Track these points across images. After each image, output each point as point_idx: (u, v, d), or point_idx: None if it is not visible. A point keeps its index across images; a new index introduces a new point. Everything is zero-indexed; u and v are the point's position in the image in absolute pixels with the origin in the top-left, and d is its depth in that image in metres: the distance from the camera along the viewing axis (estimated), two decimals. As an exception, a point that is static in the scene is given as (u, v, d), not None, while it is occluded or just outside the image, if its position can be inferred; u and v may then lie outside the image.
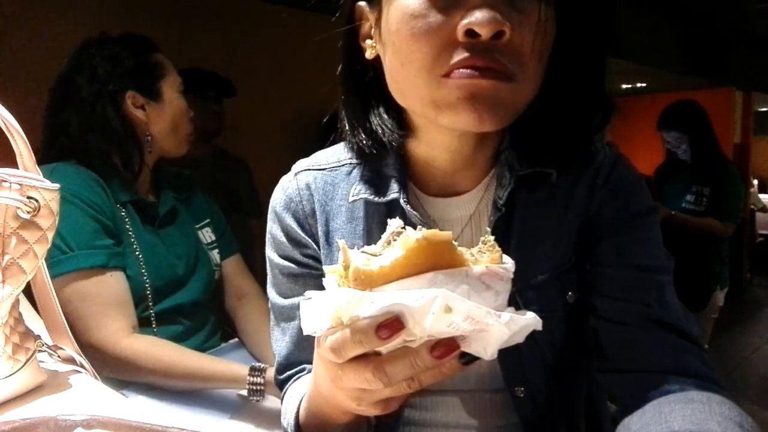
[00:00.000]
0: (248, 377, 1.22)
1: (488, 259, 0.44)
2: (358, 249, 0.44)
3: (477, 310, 0.39)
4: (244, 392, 1.25)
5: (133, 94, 1.33)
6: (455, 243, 0.42)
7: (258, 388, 1.23)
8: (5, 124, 0.66)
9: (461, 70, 0.55)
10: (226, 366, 1.25)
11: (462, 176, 0.71)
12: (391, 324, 0.40)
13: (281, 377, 0.78)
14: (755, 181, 7.78)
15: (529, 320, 0.43)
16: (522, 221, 0.68)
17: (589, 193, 0.69)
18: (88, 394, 0.71)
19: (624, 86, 6.51)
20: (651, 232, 0.69)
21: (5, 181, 0.63)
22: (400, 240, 0.41)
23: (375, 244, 0.46)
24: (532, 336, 0.67)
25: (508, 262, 0.44)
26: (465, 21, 0.53)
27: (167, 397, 1.24)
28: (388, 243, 0.44)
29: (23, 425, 0.55)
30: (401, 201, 0.68)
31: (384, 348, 0.43)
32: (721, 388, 0.59)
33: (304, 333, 0.46)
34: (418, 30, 0.56)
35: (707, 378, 0.60)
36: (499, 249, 0.45)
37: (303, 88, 3.22)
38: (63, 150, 1.29)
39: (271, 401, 1.25)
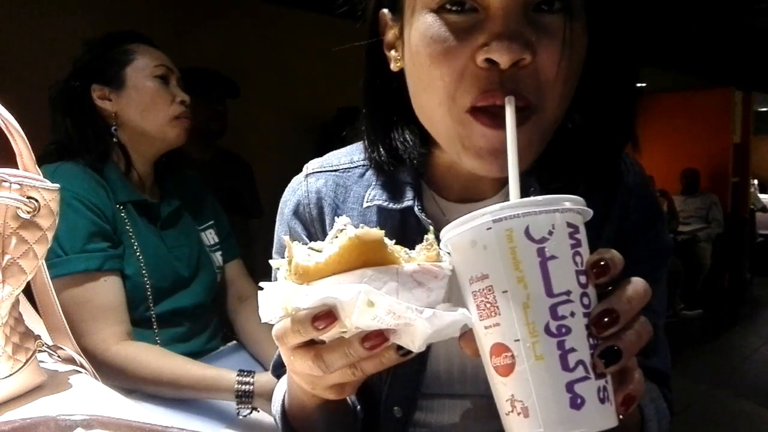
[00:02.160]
0: (236, 379, 1.20)
1: (424, 257, 0.46)
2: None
3: (397, 305, 0.41)
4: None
5: (96, 86, 1.33)
6: (388, 242, 0.44)
7: (246, 390, 1.19)
8: (5, 124, 0.66)
9: (484, 115, 0.54)
10: (215, 371, 1.24)
11: (483, 182, 0.70)
12: (325, 316, 0.43)
13: (277, 372, 0.80)
14: (755, 181, 7.78)
15: (456, 316, 0.44)
16: None
17: (623, 214, 0.69)
18: (88, 394, 0.71)
19: (624, 86, 6.50)
20: (665, 272, 0.70)
21: (5, 181, 0.63)
22: (339, 237, 0.44)
23: (350, 221, 0.48)
24: None
25: (445, 261, 0.46)
26: (484, 50, 0.52)
27: (162, 406, 1.23)
28: (333, 240, 0.46)
29: (23, 425, 0.55)
30: (415, 209, 0.68)
31: (325, 337, 0.46)
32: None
33: (262, 321, 0.48)
34: (437, 54, 0.55)
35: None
36: (437, 248, 0.46)
37: (304, 88, 3.23)
38: (59, 150, 1.30)
39: (264, 415, 1.22)
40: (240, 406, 1.21)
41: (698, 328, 5.16)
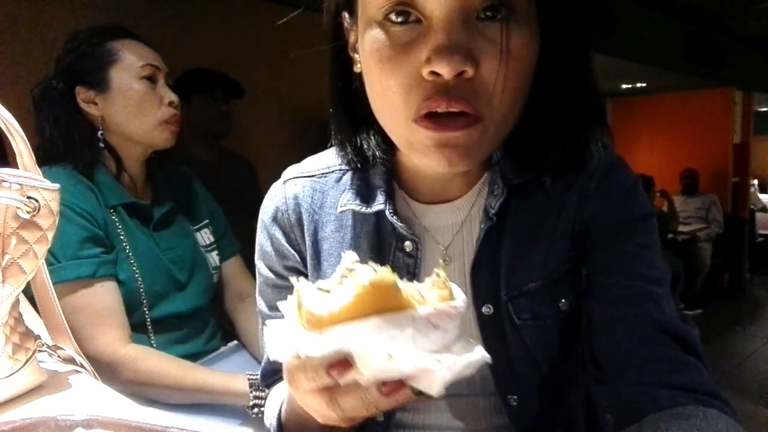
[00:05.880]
0: (250, 387, 1.21)
1: (437, 297, 0.45)
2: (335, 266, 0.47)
3: (417, 356, 0.41)
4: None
5: (81, 89, 1.28)
6: (401, 284, 0.43)
7: (260, 402, 1.20)
8: (5, 124, 0.66)
9: (428, 120, 0.55)
10: (231, 378, 1.23)
11: (453, 183, 0.71)
12: (340, 364, 0.43)
13: (267, 381, 0.80)
14: (755, 181, 7.78)
15: (474, 357, 0.44)
16: (513, 229, 0.68)
17: (581, 198, 0.68)
18: (88, 394, 0.71)
19: (624, 86, 6.50)
20: (648, 238, 0.67)
21: (5, 181, 0.63)
22: (350, 281, 0.43)
23: (358, 258, 0.47)
24: (525, 345, 0.68)
25: (459, 298, 0.45)
26: (427, 63, 0.53)
27: (175, 406, 1.23)
28: (342, 279, 0.45)
29: (23, 425, 0.55)
30: (387, 212, 0.68)
31: (340, 381, 0.45)
32: (718, 401, 0.58)
33: (271, 359, 0.47)
34: (384, 66, 0.56)
35: (705, 392, 0.58)
36: (449, 285, 0.46)
37: (305, 88, 3.22)
38: (46, 154, 1.26)
39: None
40: (254, 400, 1.21)
41: (698, 328, 5.15)
